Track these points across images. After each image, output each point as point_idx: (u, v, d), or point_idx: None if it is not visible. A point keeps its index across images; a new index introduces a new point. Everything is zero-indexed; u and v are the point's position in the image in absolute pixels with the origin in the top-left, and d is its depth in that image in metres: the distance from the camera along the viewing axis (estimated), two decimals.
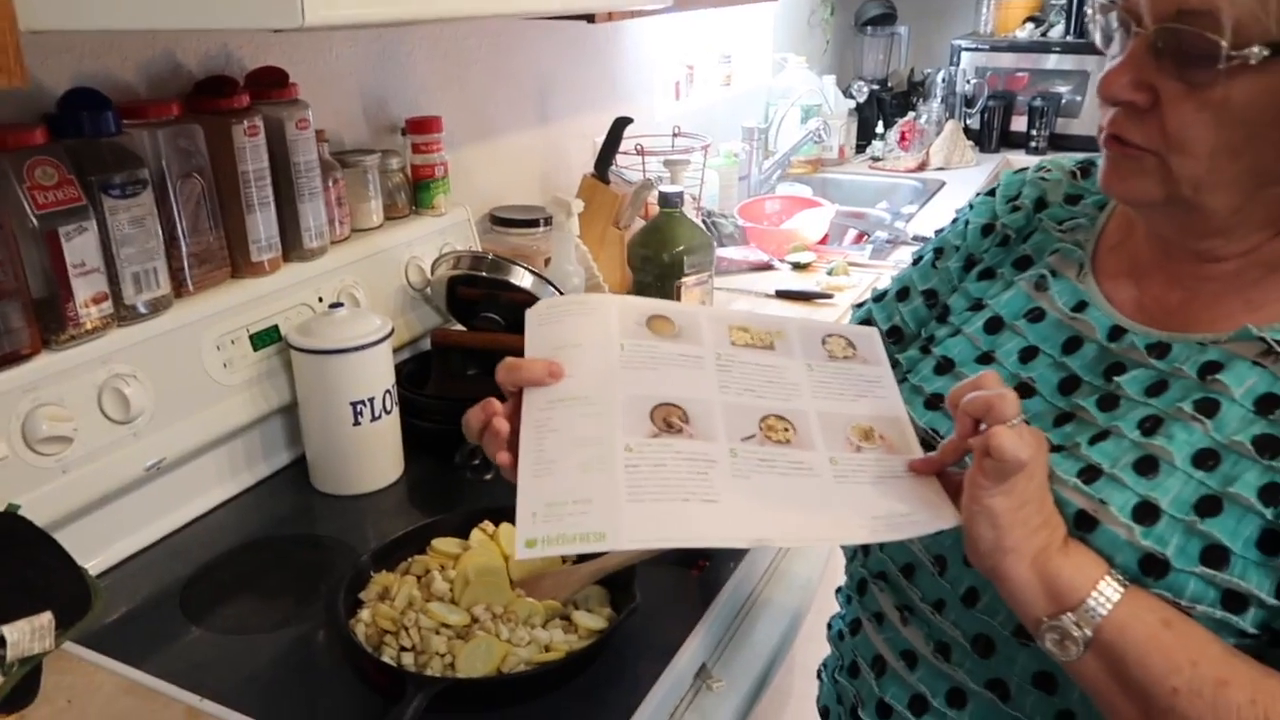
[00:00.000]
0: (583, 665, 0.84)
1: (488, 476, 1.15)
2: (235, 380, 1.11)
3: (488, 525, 0.98)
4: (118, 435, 0.98)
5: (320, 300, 1.21)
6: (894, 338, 0.85)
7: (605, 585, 0.93)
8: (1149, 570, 0.58)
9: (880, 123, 3.16)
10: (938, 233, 0.87)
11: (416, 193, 1.43)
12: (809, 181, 2.76)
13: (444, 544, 0.97)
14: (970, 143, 3.06)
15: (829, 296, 1.76)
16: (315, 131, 1.21)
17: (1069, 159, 0.76)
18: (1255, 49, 0.53)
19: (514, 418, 0.64)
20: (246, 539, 1.07)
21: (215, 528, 1.10)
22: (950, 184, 2.78)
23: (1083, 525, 0.60)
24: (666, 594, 0.96)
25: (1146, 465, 0.60)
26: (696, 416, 0.62)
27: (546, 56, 1.80)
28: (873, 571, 0.77)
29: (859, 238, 2.44)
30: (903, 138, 3.08)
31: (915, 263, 0.87)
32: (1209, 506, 0.57)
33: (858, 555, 0.81)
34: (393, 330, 1.14)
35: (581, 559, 0.94)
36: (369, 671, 0.83)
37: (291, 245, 1.20)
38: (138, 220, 0.99)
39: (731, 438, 0.62)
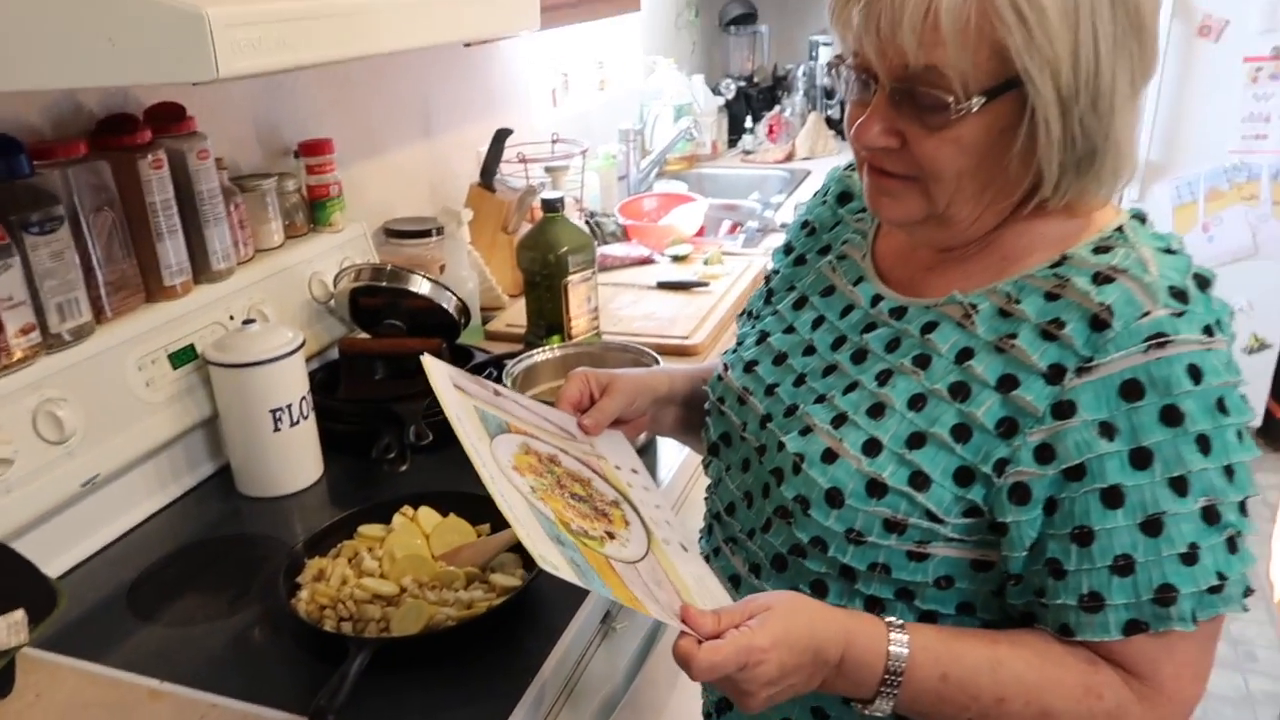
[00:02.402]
0: (503, 618, 0.96)
1: (403, 468, 1.25)
2: (158, 398, 1.19)
3: (408, 509, 1.10)
4: (54, 455, 1.06)
5: (231, 319, 1.30)
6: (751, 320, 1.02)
7: (518, 552, 1.06)
8: (873, 492, 0.73)
9: (749, 117, 3.35)
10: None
11: (314, 211, 1.52)
12: (685, 177, 2.92)
13: (369, 529, 1.08)
14: (832, 132, 3.28)
15: (705, 285, 1.92)
16: (215, 160, 1.29)
17: None
18: (975, 100, 0.66)
19: None
20: (182, 543, 1.16)
21: (151, 535, 1.18)
22: (815, 172, 2.99)
23: (827, 459, 0.76)
24: None
25: (876, 410, 0.76)
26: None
27: (428, 77, 1.90)
28: (712, 511, 0.93)
29: (733, 228, 2.62)
30: (770, 130, 3.28)
31: None
32: (916, 441, 0.73)
33: (709, 496, 0.96)
34: (304, 341, 1.24)
35: (496, 531, 1.07)
36: (313, 642, 0.94)
37: (201, 268, 1.29)
38: (57, 254, 1.06)
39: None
